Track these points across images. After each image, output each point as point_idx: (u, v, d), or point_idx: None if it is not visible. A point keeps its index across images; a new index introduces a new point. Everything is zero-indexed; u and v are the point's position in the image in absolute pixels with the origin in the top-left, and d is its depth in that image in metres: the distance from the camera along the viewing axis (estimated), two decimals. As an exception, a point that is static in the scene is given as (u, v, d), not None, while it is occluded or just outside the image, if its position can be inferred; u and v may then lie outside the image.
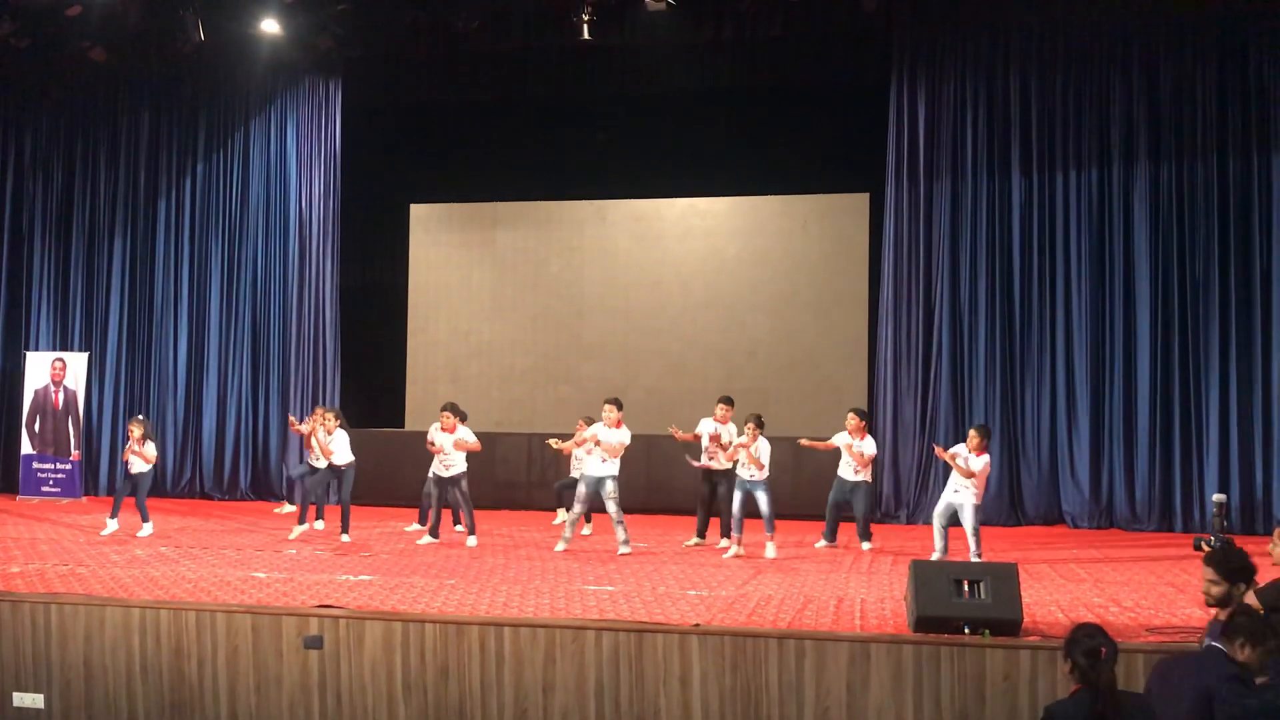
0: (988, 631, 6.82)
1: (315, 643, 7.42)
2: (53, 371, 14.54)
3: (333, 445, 11.07)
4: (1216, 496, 6.54)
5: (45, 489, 14.45)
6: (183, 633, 7.64)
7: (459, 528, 11.25)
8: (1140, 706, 4.56)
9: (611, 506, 10.32)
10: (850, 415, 10.82)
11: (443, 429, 10.83)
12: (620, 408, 10.43)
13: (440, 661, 7.29)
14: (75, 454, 14.45)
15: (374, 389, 15.73)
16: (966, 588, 7.01)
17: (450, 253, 15.70)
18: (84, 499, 14.43)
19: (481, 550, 10.58)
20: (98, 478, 15.06)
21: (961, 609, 6.89)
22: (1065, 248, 12.85)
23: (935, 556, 9.70)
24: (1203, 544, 5.91)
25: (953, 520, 9.80)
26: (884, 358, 13.23)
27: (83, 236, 15.35)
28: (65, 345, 15.19)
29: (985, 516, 10.69)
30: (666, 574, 9.38)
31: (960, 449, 9.76)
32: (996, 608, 6.92)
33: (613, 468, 10.31)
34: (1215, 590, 4.96)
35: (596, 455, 10.35)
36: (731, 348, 14.79)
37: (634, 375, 14.68)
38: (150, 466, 11.35)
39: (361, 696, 7.38)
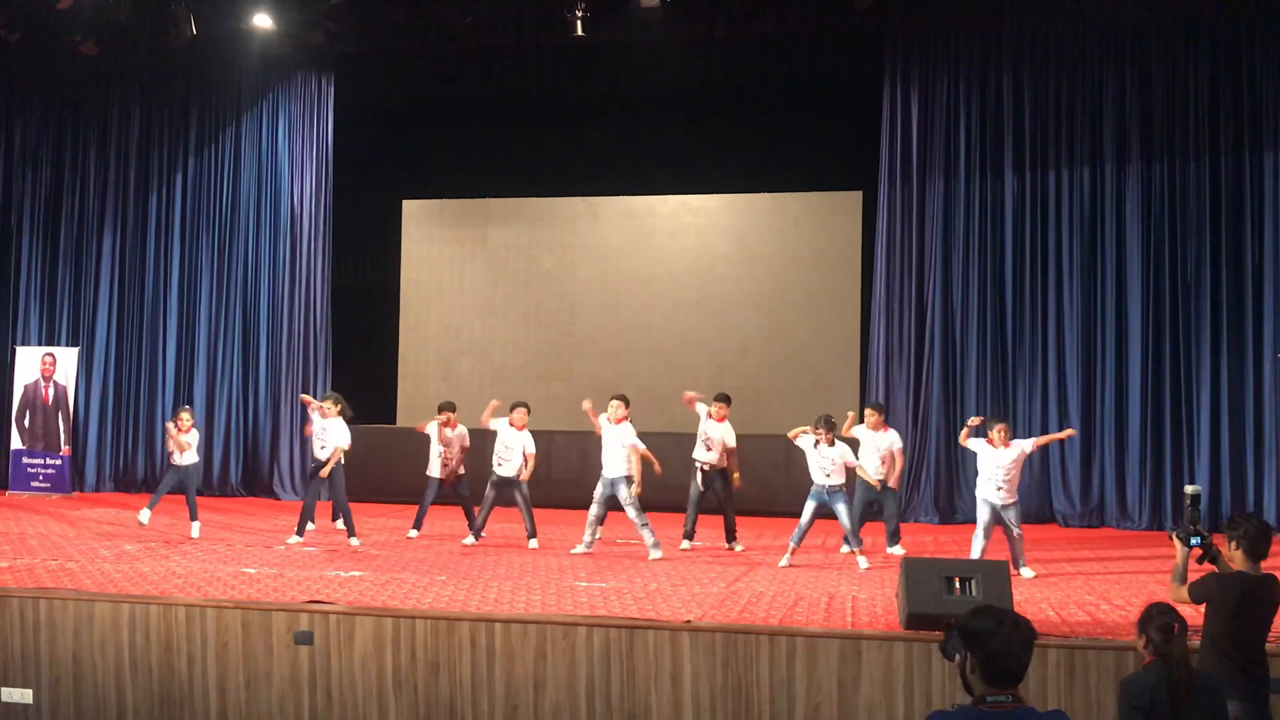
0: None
1: (305, 638, 7.40)
2: (42, 366, 14.49)
3: (328, 436, 10.56)
4: (1189, 488, 6.40)
5: (35, 484, 14.39)
6: (172, 628, 7.61)
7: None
8: (1208, 682, 4.59)
9: (631, 511, 9.97)
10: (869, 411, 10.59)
11: (513, 425, 10.49)
12: (627, 404, 10.14)
13: (431, 657, 7.28)
14: (65, 449, 14.41)
15: (365, 385, 15.65)
16: (957, 585, 7.02)
17: (442, 249, 15.67)
18: (74, 494, 14.38)
19: (474, 547, 10.56)
20: (85, 473, 15.00)
21: (952, 606, 6.85)
22: (1057, 246, 12.87)
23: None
24: (1175, 536, 5.85)
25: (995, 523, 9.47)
26: (876, 356, 13.23)
27: (72, 231, 15.27)
28: (54, 340, 15.12)
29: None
30: (658, 570, 9.38)
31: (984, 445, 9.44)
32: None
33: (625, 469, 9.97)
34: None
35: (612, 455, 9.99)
36: (723, 345, 14.78)
37: (625, 373, 14.66)
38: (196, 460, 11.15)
39: (352, 692, 7.37)
